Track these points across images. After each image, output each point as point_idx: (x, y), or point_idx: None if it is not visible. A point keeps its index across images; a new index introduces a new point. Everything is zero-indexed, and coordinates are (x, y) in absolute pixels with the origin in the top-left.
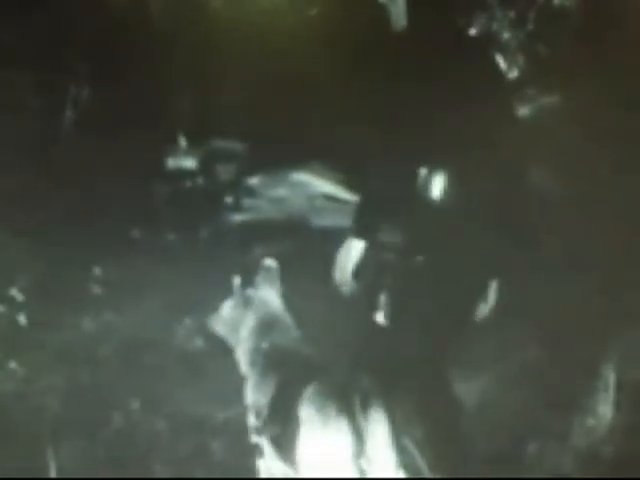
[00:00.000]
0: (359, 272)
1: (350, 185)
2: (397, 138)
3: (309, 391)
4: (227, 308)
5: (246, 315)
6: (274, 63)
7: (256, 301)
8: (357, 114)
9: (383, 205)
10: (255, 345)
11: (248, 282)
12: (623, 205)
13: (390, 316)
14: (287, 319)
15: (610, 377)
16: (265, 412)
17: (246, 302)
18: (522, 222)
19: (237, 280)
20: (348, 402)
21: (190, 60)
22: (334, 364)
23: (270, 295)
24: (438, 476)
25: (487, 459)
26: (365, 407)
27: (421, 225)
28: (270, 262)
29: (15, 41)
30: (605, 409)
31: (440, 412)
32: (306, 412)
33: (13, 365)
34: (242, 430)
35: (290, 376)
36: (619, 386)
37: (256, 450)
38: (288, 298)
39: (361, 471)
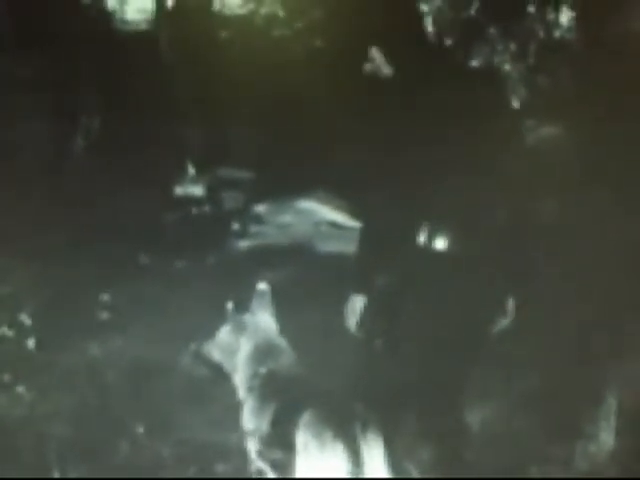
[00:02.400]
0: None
1: (354, 212)
2: (400, 167)
3: (307, 416)
4: (224, 334)
5: (243, 341)
6: (280, 92)
7: (253, 327)
8: (361, 144)
9: (384, 243)
10: (253, 371)
11: (248, 308)
12: (624, 236)
13: (391, 345)
14: (285, 345)
15: (612, 404)
16: (266, 437)
17: (244, 328)
18: (523, 255)
19: (234, 305)
20: (345, 427)
21: (198, 90)
22: (332, 389)
23: (267, 320)
24: None
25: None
26: (363, 432)
27: (420, 263)
28: (263, 286)
29: (30, 72)
30: (607, 436)
31: (446, 436)
32: (304, 437)
33: (21, 389)
34: (246, 455)
35: (288, 401)
36: (620, 412)
37: (259, 475)
38: (288, 323)
39: None
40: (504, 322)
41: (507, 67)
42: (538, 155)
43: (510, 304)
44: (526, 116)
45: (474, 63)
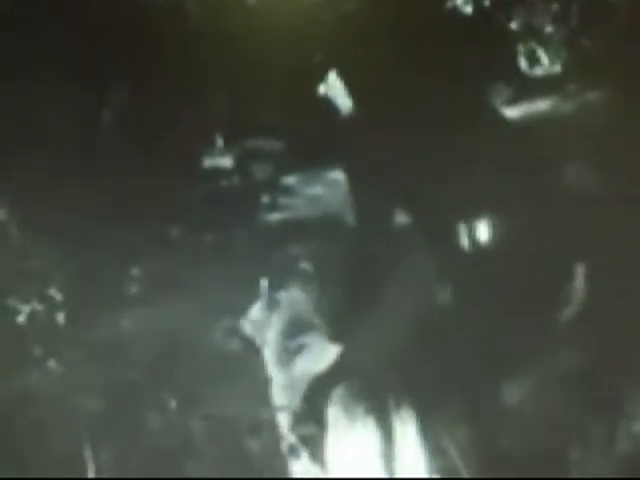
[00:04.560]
0: None
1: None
2: (436, 144)
3: (339, 391)
4: (257, 309)
5: (275, 316)
6: (310, 61)
7: (286, 302)
8: (391, 112)
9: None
10: (285, 346)
11: (279, 282)
12: None
13: (429, 322)
14: (317, 319)
15: None
16: (297, 412)
17: (275, 303)
18: (566, 225)
19: (268, 281)
20: (378, 402)
21: (226, 60)
22: (365, 364)
23: (299, 295)
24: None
25: (529, 463)
26: (397, 407)
27: (462, 248)
28: (306, 265)
29: (52, 44)
30: None
31: (483, 416)
32: (336, 412)
33: (52, 364)
34: (277, 430)
35: (320, 376)
36: None
37: (291, 450)
38: (320, 298)
39: (392, 472)
40: (571, 307)
41: (549, 29)
42: (582, 120)
43: (575, 286)
44: (569, 81)
45: (513, 25)
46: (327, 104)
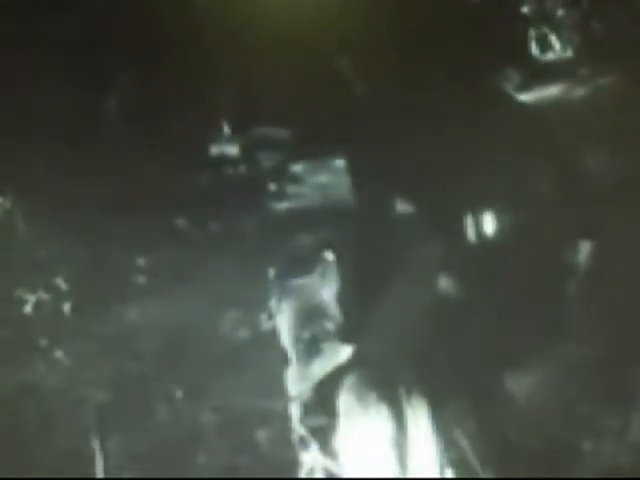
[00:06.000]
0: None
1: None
2: (440, 135)
3: (350, 380)
4: (265, 299)
5: (285, 305)
6: (318, 49)
7: (295, 292)
8: (400, 98)
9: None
10: (296, 335)
11: (288, 272)
12: None
13: (440, 311)
14: (328, 308)
15: None
16: (308, 403)
17: (284, 293)
18: (578, 212)
19: (275, 269)
20: (390, 390)
21: (233, 47)
22: (376, 353)
23: (310, 284)
24: (489, 474)
25: (541, 455)
26: (408, 396)
27: (468, 237)
28: (314, 254)
29: (54, 33)
30: None
31: (494, 406)
32: (348, 403)
33: (59, 354)
34: (287, 421)
35: (332, 366)
36: None
37: (301, 442)
38: (330, 287)
39: (403, 463)
40: (581, 296)
41: (560, 13)
42: (594, 105)
43: (586, 275)
44: (581, 65)
45: (524, 9)
46: (335, 91)
